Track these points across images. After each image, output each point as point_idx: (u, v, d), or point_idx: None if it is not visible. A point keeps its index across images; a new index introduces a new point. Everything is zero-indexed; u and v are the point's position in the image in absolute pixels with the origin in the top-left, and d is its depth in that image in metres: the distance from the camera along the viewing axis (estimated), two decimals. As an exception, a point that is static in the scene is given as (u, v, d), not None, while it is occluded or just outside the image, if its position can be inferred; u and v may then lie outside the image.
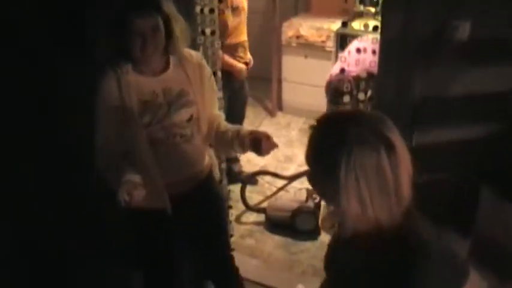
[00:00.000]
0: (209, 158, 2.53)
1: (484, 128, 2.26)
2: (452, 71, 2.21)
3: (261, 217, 4.12)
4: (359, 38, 2.99)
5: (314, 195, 4.01)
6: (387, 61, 2.33)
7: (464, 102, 2.25)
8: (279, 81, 5.60)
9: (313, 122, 1.35)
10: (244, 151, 2.39)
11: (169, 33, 2.15)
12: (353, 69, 3.37)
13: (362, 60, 3.10)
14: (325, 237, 3.77)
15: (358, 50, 2.96)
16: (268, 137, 2.16)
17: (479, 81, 2.19)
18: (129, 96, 2.14)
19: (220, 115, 2.50)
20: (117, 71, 2.14)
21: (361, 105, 2.49)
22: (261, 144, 2.16)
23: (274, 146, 2.15)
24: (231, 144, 2.33)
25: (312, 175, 1.37)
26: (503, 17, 2.07)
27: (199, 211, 2.52)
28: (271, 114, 5.78)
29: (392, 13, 2.23)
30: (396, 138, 1.27)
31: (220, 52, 3.67)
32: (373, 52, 2.36)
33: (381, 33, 2.28)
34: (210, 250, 2.70)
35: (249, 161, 4.78)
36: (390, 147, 1.23)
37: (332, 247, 1.61)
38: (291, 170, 4.76)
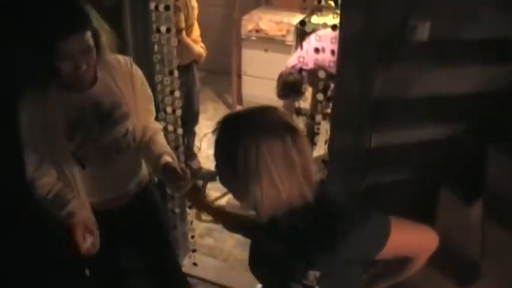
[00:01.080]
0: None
1: (444, 129, 2.24)
2: (413, 71, 2.18)
3: (221, 215, 4.06)
4: (317, 37, 2.94)
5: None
6: (346, 61, 2.29)
7: (425, 103, 2.22)
8: (239, 75, 5.53)
9: (215, 126, 1.41)
10: (156, 176, 2.36)
11: (97, 48, 1.95)
12: (311, 68, 3.33)
13: (321, 60, 3.06)
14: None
15: (317, 50, 2.91)
16: (178, 177, 2.02)
17: (440, 82, 2.17)
18: (53, 117, 1.96)
19: (158, 128, 2.33)
20: (40, 89, 1.95)
21: (319, 106, 2.44)
22: (171, 180, 2.06)
23: (184, 187, 2.01)
24: (150, 163, 2.23)
25: (224, 174, 1.43)
26: (464, 17, 2.04)
27: (140, 223, 2.42)
28: (231, 108, 5.71)
29: (351, 12, 2.18)
30: (295, 124, 1.37)
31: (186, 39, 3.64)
32: (332, 52, 2.31)
33: (340, 33, 2.23)
34: (155, 262, 2.60)
35: (208, 157, 4.72)
36: (294, 133, 1.34)
37: (253, 243, 1.69)
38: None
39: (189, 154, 4.39)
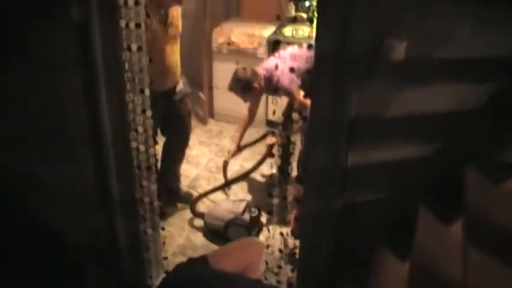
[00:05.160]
0: None
1: (421, 148, 2.22)
2: (389, 90, 2.15)
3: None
4: (292, 56, 2.89)
5: (252, 209, 3.94)
6: (321, 80, 2.25)
7: (401, 122, 2.20)
8: (210, 88, 5.49)
9: None
10: None
11: None
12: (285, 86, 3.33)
13: (296, 79, 3.04)
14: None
15: (292, 70, 2.88)
16: None
17: (416, 101, 2.15)
18: None
19: None
20: None
21: (295, 125, 2.40)
22: None
23: None
24: None
25: None
26: (440, 36, 2.03)
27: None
28: (203, 122, 5.66)
29: (326, 31, 2.15)
30: None
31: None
32: (307, 72, 2.27)
33: (315, 52, 2.19)
34: None
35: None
36: None
37: None
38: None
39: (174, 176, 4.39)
